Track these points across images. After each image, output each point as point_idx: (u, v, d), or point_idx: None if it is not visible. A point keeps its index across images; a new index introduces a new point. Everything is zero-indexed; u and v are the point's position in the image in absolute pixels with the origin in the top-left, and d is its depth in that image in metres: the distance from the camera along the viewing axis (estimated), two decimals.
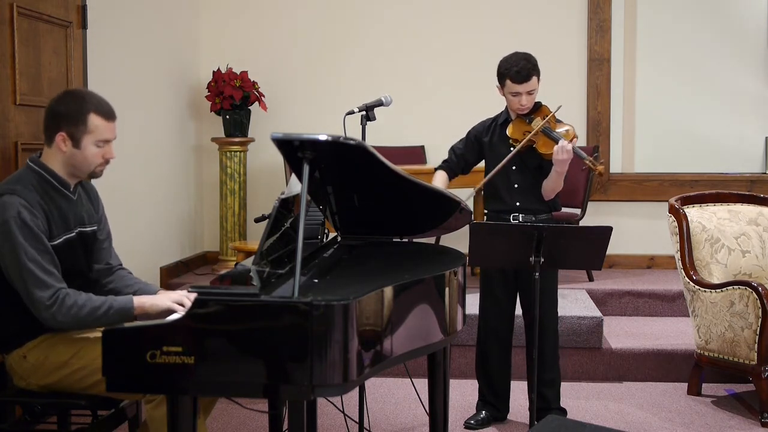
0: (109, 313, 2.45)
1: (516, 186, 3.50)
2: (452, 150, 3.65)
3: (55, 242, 2.50)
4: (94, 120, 2.52)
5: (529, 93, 3.42)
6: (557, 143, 3.32)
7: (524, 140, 3.39)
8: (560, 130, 3.43)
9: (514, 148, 3.44)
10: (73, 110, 2.51)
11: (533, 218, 3.47)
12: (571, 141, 3.33)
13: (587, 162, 3.39)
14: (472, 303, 4.41)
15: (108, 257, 2.79)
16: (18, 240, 2.39)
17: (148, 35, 5.03)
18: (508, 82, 3.41)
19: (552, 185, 3.45)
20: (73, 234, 2.60)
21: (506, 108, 3.57)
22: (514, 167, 3.46)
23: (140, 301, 2.51)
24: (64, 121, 2.51)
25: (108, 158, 2.59)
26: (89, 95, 2.58)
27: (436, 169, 3.65)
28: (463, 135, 3.68)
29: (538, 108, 3.51)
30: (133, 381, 2.09)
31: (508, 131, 3.49)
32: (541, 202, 3.52)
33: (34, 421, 2.62)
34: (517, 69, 3.37)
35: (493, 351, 3.61)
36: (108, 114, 2.56)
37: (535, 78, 3.41)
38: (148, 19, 5.02)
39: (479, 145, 3.60)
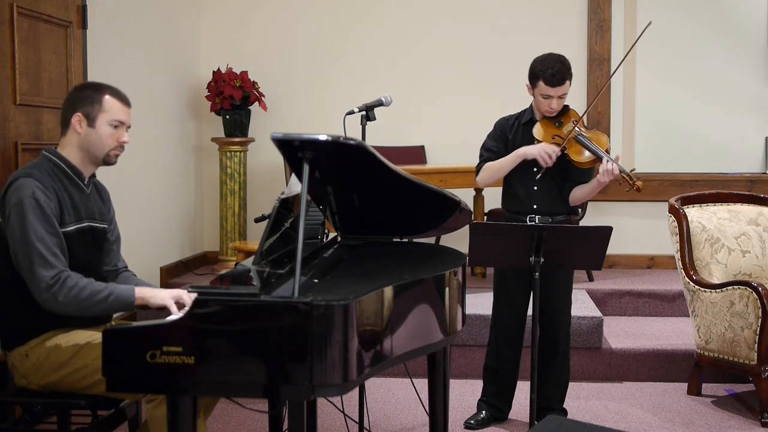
0: (109, 299, 2.47)
1: (535, 188, 3.44)
2: (486, 149, 3.54)
3: (67, 229, 2.54)
4: (110, 101, 2.63)
5: (561, 97, 3.36)
6: (596, 157, 3.28)
7: (561, 146, 3.32)
8: (594, 138, 3.36)
9: None
10: (89, 93, 2.63)
11: (550, 220, 3.44)
12: (608, 154, 3.29)
13: (625, 177, 3.28)
14: (473, 303, 4.43)
15: (116, 260, 2.83)
16: (29, 218, 2.43)
17: (148, 35, 5.03)
18: (541, 83, 3.33)
19: (587, 195, 3.42)
20: (84, 225, 2.63)
21: (530, 107, 3.51)
22: (535, 168, 3.40)
23: (141, 291, 2.53)
24: (80, 103, 2.61)
25: (122, 142, 2.66)
26: (106, 84, 2.71)
27: (480, 166, 3.51)
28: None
29: (565, 111, 3.44)
30: (133, 381, 2.09)
31: (536, 133, 3.41)
32: (559, 205, 3.48)
33: (34, 421, 2.63)
34: (553, 72, 3.30)
35: (505, 353, 3.60)
36: (123, 99, 2.68)
37: (568, 82, 3.34)
38: (148, 19, 5.02)
39: (505, 139, 3.52)
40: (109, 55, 4.34)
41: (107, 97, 2.62)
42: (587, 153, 3.34)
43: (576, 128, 3.36)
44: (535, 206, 3.46)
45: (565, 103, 3.44)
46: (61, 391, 2.54)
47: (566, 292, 3.54)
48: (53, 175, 2.57)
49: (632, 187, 3.28)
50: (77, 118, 2.60)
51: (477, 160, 3.57)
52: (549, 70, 3.31)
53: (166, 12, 5.36)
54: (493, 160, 3.48)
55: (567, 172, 3.44)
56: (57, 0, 3.73)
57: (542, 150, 3.31)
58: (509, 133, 3.52)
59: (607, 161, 3.26)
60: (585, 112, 3.51)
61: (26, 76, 3.47)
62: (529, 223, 3.40)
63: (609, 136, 5.84)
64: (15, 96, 3.39)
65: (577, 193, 3.45)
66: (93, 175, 2.73)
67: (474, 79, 5.86)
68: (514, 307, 3.57)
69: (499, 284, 3.60)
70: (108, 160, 2.67)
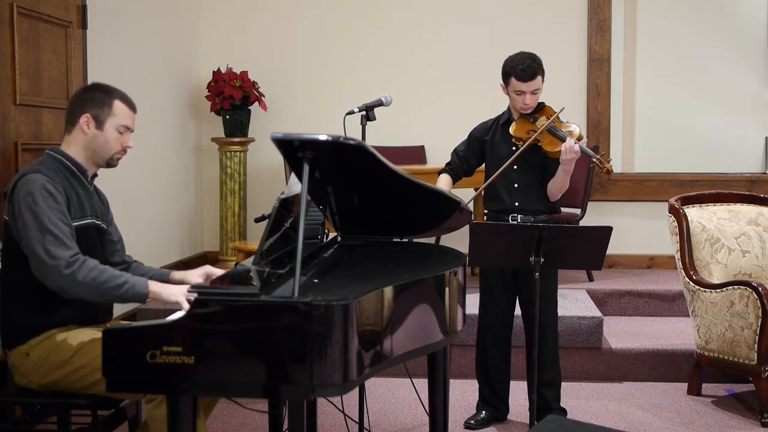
0: (125, 287, 2.45)
1: (516, 186, 3.49)
2: (455, 152, 3.66)
3: (73, 224, 2.54)
4: (119, 105, 2.67)
5: (533, 92, 3.41)
6: (564, 142, 3.32)
7: (530, 139, 3.38)
8: (567, 129, 3.43)
9: (517, 147, 3.44)
10: (99, 95, 2.66)
11: (532, 219, 3.46)
12: (578, 140, 3.33)
13: (595, 160, 3.36)
14: (472, 303, 4.42)
15: (124, 257, 2.87)
16: (41, 205, 2.44)
17: (148, 35, 5.03)
18: (513, 80, 3.41)
19: (558, 185, 3.44)
20: (89, 221, 2.65)
21: (508, 108, 3.57)
22: (515, 166, 3.45)
23: (154, 287, 2.51)
24: (89, 104, 2.64)
25: (126, 147, 2.70)
26: (115, 87, 2.73)
27: (439, 173, 3.66)
28: (464, 135, 3.68)
29: (541, 108, 3.51)
30: (133, 381, 2.09)
31: (512, 130, 3.48)
32: (540, 203, 3.51)
33: (34, 421, 2.63)
34: (523, 68, 3.37)
35: (492, 351, 3.61)
36: (131, 105, 2.72)
37: (539, 77, 3.41)
38: (148, 19, 5.02)
39: (480, 146, 3.60)
40: (109, 55, 4.34)
41: (117, 101, 2.66)
42: (559, 143, 3.37)
43: (550, 122, 3.41)
44: (516, 203, 3.49)
45: (540, 101, 3.50)
46: (61, 391, 2.54)
47: (551, 291, 3.54)
48: (59, 171, 2.59)
49: (602, 170, 3.35)
50: (85, 119, 2.62)
51: None
52: (519, 66, 3.39)
53: (166, 12, 5.36)
54: (456, 167, 3.63)
55: (546, 168, 3.47)
56: (57, 0, 3.73)
57: None
58: (486, 136, 3.58)
59: (569, 140, 3.30)
60: (561, 110, 3.52)
61: (26, 76, 3.47)
62: (511, 222, 3.43)
63: (609, 136, 5.87)
64: (15, 96, 3.40)
65: (551, 186, 3.48)
66: (95, 175, 2.75)
67: (474, 79, 5.86)
68: (500, 308, 3.58)
69: (484, 286, 3.62)
70: (111, 163, 2.71)
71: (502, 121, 3.56)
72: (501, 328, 3.60)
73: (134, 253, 4.28)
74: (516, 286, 3.55)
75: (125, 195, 4.53)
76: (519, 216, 3.47)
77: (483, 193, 3.65)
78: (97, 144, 2.64)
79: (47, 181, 2.49)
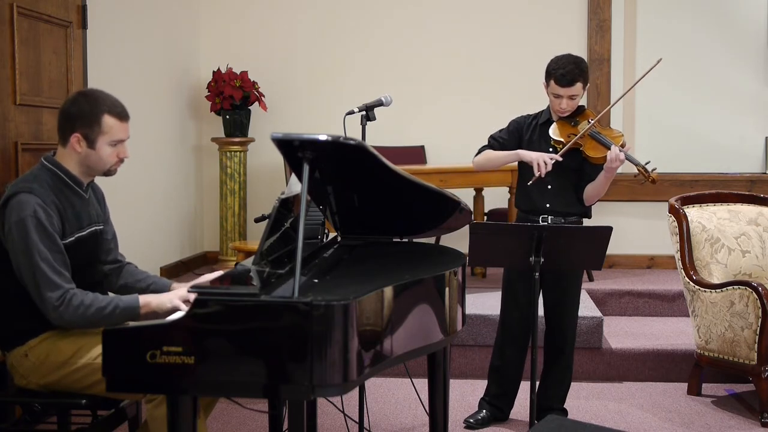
0: (115, 312, 2.46)
1: (549, 188, 3.45)
2: (493, 138, 3.57)
3: (67, 241, 2.53)
4: (108, 121, 2.55)
5: (571, 98, 3.37)
6: (609, 149, 3.28)
7: (571, 142, 3.34)
8: (611, 135, 3.38)
9: (555, 149, 3.38)
10: (87, 111, 2.54)
11: (562, 220, 3.44)
12: (623, 147, 3.29)
13: (640, 169, 3.31)
14: (473, 303, 4.43)
15: (116, 255, 2.84)
16: (32, 239, 2.41)
17: (148, 35, 5.03)
18: (552, 82, 3.37)
19: (597, 190, 3.42)
20: (85, 232, 2.63)
21: (548, 107, 3.53)
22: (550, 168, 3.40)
23: (146, 300, 2.51)
24: (78, 123, 2.54)
25: (122, 157, 2.63)
26: (102, 96, 2.60)
27: (479, 152, 3.55)
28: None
29: (581, 111, 3.47)
30: (133, 381, 2.10)
31: (552, 132, 3.43)
32: (573, 206, 3.48)
33: (34, 421, 2.63)
34: (563, 72, 3.33)
35: (509, 353, 3.60)
36: (121, 114, 2.59)
37: (579, 84, 3.36)
38: (148, 19, 5.02)
39: (519, 138, 3.54)
40: (109, 55, 4.34)
41: (105, 117, 2.54)
42: (602, 148, 3.34)
43: (591, 125, 3.37)
44: (548, 205, 3.46)
45: (580, 104, 3.47)
46: (61, 391, 2.54)
47: (575, 292, 3.54)
48: (53, 186, 2.54)
49: (647, 179, 3.31)
50: (76, 138, 2.54)
51: None
52: (560, 70, 3.35)
53: (166, 12, 5.36)
54: (495, 149, 3.52)
55: (582, 171, 3.45)
56: (57, 0, 3.73)
57: (540, 156, 3.32)
58: (525, 133, 3.54)
59: (614, 148, 3.27)
60: (602, 113, 3.52)
61: (26, 76, 3.47)
62: (541, 223, 3.41)
63: None
64: (15, 96, 3.39)
65: (589, 190, 3.45)
66: (91, 181, 2.72)
67: (474, 79, 5.86)
68: (519, 307, 3.57)
69: (506, 284, 3.60)
70: (108, 174, 2.66)
71: (542, 121, 3.51)
72: (521, 330, 3.58)
73: (135, 254, 4.29)
74: (541, 286, 3.53)
75: (125, 195, 4.53)
76: (549, 217, 3.45)
77: (516, 191, 3.57)
78: (91, 161, 2.58)
79: (39, 205, 2.44)
